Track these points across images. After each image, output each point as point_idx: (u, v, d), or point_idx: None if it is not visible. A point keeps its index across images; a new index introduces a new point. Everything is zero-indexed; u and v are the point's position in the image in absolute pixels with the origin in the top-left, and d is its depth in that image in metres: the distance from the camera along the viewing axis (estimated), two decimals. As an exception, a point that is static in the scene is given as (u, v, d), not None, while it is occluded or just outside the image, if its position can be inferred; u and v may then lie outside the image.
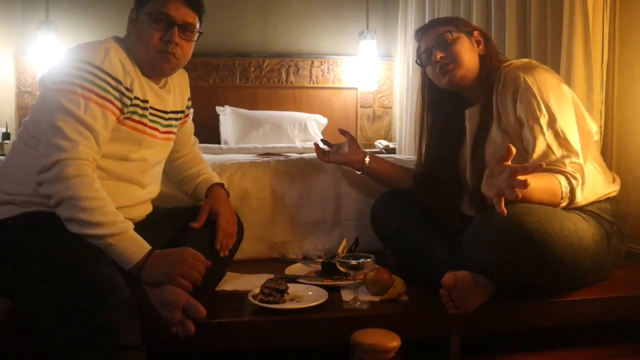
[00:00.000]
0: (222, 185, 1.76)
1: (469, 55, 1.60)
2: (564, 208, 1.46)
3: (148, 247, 1.32)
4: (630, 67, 1.98)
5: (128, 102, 1.42)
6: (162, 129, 1.57)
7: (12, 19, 3.74)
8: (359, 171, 1.91)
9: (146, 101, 1.48)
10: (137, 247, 1.30)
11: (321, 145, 1.95)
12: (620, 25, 2.01)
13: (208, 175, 1.78)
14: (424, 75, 1.74)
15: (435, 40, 1.61)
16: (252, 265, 1.85)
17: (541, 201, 1.40)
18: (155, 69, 1.49)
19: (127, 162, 1.47)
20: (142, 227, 1.43)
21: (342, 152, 1.92)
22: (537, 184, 1.36)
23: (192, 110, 1.82)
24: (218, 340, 1.34)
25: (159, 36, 1.44)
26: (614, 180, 1.65)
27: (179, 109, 1.66)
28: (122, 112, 1.42)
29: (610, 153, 2.01)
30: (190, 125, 1.83)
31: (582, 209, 1.51)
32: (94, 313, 1.08)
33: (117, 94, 1.38)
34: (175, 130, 1.66)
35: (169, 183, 1.80)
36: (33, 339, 1.25)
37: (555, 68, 2.00)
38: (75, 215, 1.25)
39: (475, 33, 1.64)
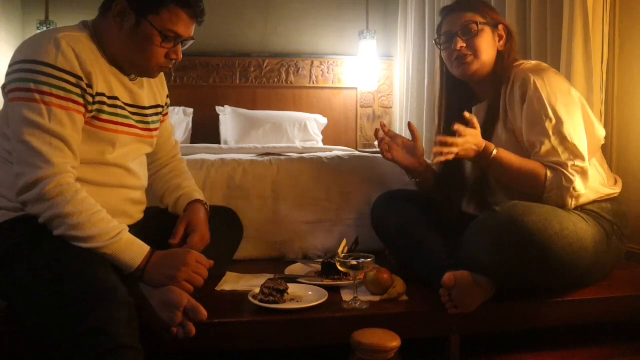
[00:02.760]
0: (202, 202, 1.61)
1: (488, 51, 1.60)
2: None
3: (147, 248, 1.29)
4: (630, 67, 1.98)
5: (90, 99, 1.31)
6: (142, 126, 1.48)
7: (12, 19, 3.74)
8: (413, 178, 1.79)
9: (114, 97, 1.38)
10: (135, 251, 1.27)
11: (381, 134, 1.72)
12: (620, 25, 2.01)
13: (189, 190, 1.64)
14: (442, 59, 1.71)
15: (460, 27, 1.59)
16: (252, 265, 1.84)
17: (518, 177, 1.49)
18: (145, 74, 1.45)
19: (104, 167, 1.39)
20: (138, 227, 1.43)
21: (410, 155, 1.74)
22: (517, 159, 1.49)
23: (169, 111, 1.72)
24: (218, 340, 1.34)
25: (165, 53, 1.38)
26: (615, 183, 1.65)
27: (158, 103, 1.57)
28: (87, 110, 1.31)
29: (610, 153, 2.00)
30: (169, 125, 1.72)
31: (582, 208, 1.52)
32: (89, 314, 1.07)
33: (79, 91, 1.28)
34: (158, 126, 1.57)
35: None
36: (28, 340, 1.25)
37: (555, 68, 1.99)
38: (66, 233, 1.22)
39: (500, 27, 1.62)
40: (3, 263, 1.24)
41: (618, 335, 1.61)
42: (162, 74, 1.61)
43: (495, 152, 1.47)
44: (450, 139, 1.42)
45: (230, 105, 3.91)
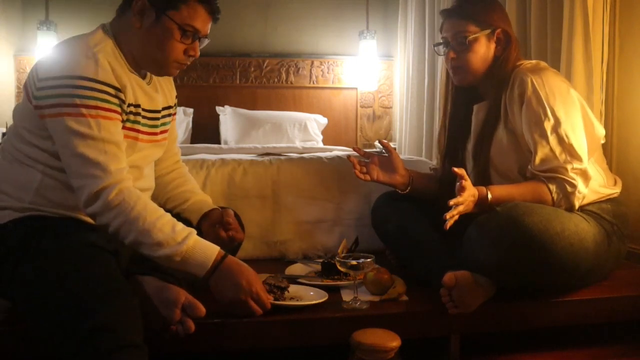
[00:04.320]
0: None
1: (481, 62, 1.59)
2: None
3: (215, 252, 1.29)
4: (630, 67, 1.98)
5: (125, 109, 1.36)
6: (153, 130, 1.50)
7: (12, 19, 3.74)
8: (401, 192, 1.75)
9: (138, 105, 1.41)
10: (206, 254, 1.28)
11: (378, 148, 1.73)
12: (620, 25, 2.01)
13: (202, 197, 1.66)
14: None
15: (453, 36, 1.60)
16: (252, 265, 1.81)
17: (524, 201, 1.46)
18: (164, 72, 1.47)
19: None
20: None
21: (390, 173, 1.72)
22: (515, 189, 1.49)
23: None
24: (218, 340, 1.34)
25: (184, 49, 1.40)
26: (615, 183, 1.65)
27: (169, 104, 1.61)
28: (122, 120, 1.36)
29: (610, 153, 2.00)
30: (174, 130, 1.73)
31: (582, 209, 1.52)
32: (93, 313, 1.07)
33: (117, 101, 1.33)
34: (168, 127, 1.59)
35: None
36: (32, 340, 1.25)
37: (555, 68, 1.99)
38: (137, 239, 1.24)
39: (497, 32, 1.59)
40: (7, 262, 1.24)
41: (618, 335, 1.61)
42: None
43: (490, 195, 1.47)
44: (454, 211, 1.41)
45: (230, 105, 3.91)
